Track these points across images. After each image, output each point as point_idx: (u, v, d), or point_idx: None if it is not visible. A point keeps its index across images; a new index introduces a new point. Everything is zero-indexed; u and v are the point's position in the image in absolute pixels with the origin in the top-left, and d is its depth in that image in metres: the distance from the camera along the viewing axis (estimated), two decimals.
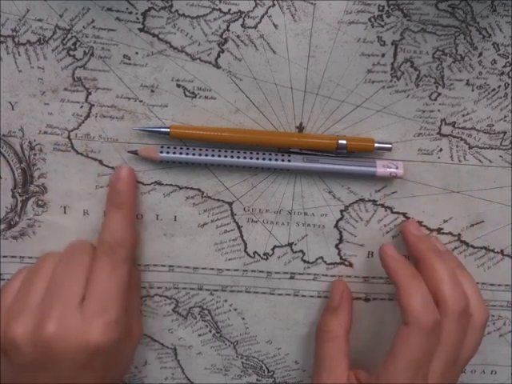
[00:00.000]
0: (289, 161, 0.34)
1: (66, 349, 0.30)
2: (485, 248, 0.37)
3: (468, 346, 0.33)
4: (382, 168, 0.34)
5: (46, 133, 0.34)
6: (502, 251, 0.37)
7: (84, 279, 0.32)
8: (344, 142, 0.33)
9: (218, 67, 0.33)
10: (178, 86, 0.33)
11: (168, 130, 0.33)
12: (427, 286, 0.32)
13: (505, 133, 0.34)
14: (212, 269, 0.37)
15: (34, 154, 0.34)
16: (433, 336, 0.31)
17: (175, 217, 0.36)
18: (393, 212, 0.36)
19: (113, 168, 0.35)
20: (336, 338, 0.35)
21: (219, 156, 0.33)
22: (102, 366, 0.32)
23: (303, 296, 0.38)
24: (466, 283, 0.34)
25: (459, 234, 0.37)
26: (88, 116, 0.34)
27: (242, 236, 0.37)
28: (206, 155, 0.33)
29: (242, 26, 0.32)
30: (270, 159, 0.34)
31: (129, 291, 0.34)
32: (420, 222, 0.36)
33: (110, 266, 0.32)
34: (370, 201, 0.36)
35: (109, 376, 0.33)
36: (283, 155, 0.34)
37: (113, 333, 0.31)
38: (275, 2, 0.31)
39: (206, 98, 0.33)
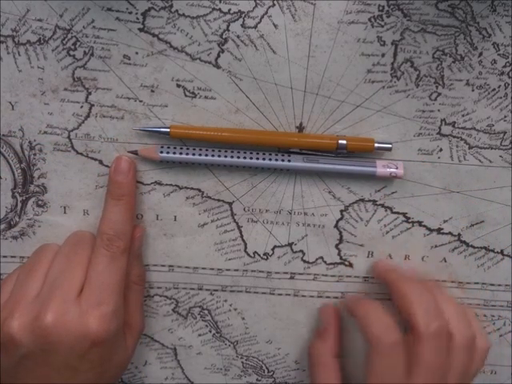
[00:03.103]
0: (289, 161, 0.34)
1: (64, 339, 0.31)
2: (485, 248, 0.37)
3: (455, 366, 0.33)
4: (382, 168, 0.34)
5: (45, 133, 0.34)
6: (502, 251, 0.37)
7: (83, 271, 0.33)
8: (344, 142, 0.33)
9: (218, 67, 0.33)
10: (178, 86, 0.33)
11: (168, 130, 0.33)
12: (400, 311, 0.34)
13: (505, 133, 0.34)
14: (212, 269, 0.37)
15: (34, 154, 0.34)
16: (394, 354, 0.32)
17: (175, 217, 0.36)
18: (393, 212, 0.36)
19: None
20: (325, 362, 0.36)
21: (219, 156, 0.33)
22: (100, 356, 0.32)
23: (303, 296, 0.38)
24: (446, 305, 0.34)
25: (459, 234, 0.37)
26: (88, 116, 0.34)
27: (242, 236, 0.37)
28: (206, 155, 0.33)
29: (242, 26, 0.32)
30: (270, 159, 0.34)
31: (130, 284, 0.35)
32: (420, 222, 0.36)
33: (108, 258, 0.32)
34: (370, 201, 0.36)
35: (108, 366, 0.33)
36: (283, 155, 0.34)
37: (110, 324, 0.32)
38: (275, 1, 0.31)
39: (206, 97, 0.33)
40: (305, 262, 0.37)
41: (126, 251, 0.33)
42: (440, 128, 0.34)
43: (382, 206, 0.36)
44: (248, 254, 0.37)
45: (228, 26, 0.32)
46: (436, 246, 0.37)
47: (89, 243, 0.34)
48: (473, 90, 0.33)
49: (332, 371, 0.36)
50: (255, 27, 0.32)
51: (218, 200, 0.36)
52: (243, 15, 0.32)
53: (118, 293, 0.33)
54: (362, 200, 0.36)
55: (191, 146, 0.34)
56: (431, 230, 0.36)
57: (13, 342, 0.31)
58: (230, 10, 0.31)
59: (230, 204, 0.36)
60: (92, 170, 0.35)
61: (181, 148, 0.33)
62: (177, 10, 0.32)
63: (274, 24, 0.32)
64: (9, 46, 0.32)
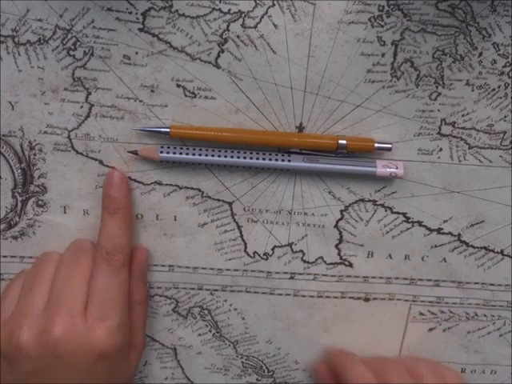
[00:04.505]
0: (289, 161, 0.34)
1: (72, 352, 0.31)
2: (485, 248, 0.37)
3: None
4: (381, 168, 0.34)
5: (46, 133, 0.34)
6: (502, 251, 0.37)
7: (86, 282, 0.33)
8: (344, 142, 0.33)
9: (218, 67, 0.33)
10: (178, 86, 0.33)
11: (168, 130, 0.33)
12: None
13: (505, 133, 0.34)
14: (212, 269, 0.37)
15: (34, 154, 0.34)
16: None
17: (175, 217, 0.36)
18: (393, 212, 0.36)
19: (113, 168, 0.35)
20: None
21: (219, 156, 0.33)
22: (106, 370, 0.32)
23: (303, 296, 0.38)
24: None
25: (459, 234, 0.37)
26: (88, 116, 0.34)
27: (241, 236, 0.37)
28: (206, 155, 0.33)
29: (242, 25, 0.32)
30: (270, 159, 0.34)
31: (133, 304, 0.35)
32: (420, 222, 0.36)
33: (109, 272, 0.33)
34: (370, 201, 0.36)
35: (112, 381, 0.33)
36: (283, 155, 0.34)
37: (116, 338, 0.32)
38: (275, 1, 0.31)
39: (206, 97, 0.33)
40: (305, 261, 0.37)
41: (126, 264, 0.34)
42: (440, 128, 0.34)
43: (382, 206, 0.36)
44: (248, 254, 0.37)
45: (228, 26, 0.32)
46: (436, 246, 0.37)
47: (89, 251, 0.34)
48: (473, 90, 0.33)
49: None
50: (255, 27, 0.32)
51: (218, 200, 0.36)
52: (243, 15, 0.32)
53: (121, 307, 0.33)
54: (362, 200, 0.36)
55: (191, 146, 0.34)
56: (431, 230, 0.36)
57: (21, 355, 0.31)
58: (229, 10, 0.31)
59: (230, 204, 0.36)
60: (92, 170, 0.35)
61: (181, 148, 0.33)
62: (177, 10, 0.32)
63: (273, 24, 0.32)
64: (9, 46, 0.32)
